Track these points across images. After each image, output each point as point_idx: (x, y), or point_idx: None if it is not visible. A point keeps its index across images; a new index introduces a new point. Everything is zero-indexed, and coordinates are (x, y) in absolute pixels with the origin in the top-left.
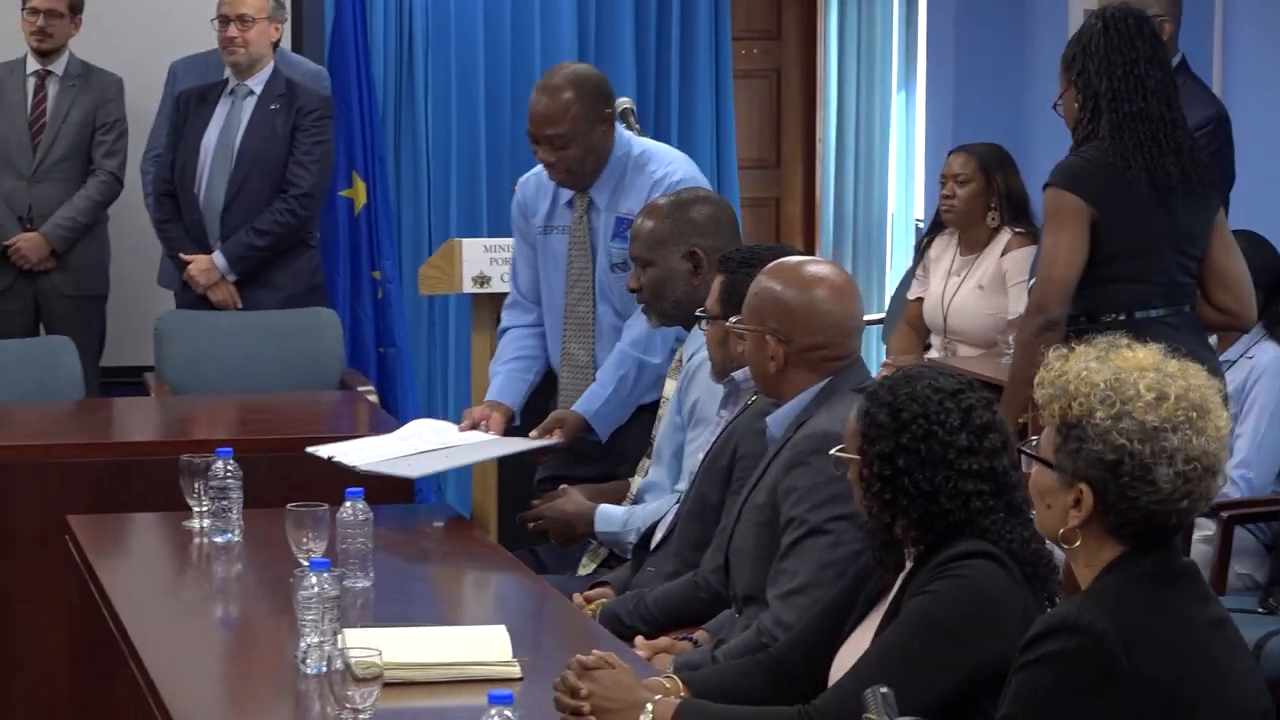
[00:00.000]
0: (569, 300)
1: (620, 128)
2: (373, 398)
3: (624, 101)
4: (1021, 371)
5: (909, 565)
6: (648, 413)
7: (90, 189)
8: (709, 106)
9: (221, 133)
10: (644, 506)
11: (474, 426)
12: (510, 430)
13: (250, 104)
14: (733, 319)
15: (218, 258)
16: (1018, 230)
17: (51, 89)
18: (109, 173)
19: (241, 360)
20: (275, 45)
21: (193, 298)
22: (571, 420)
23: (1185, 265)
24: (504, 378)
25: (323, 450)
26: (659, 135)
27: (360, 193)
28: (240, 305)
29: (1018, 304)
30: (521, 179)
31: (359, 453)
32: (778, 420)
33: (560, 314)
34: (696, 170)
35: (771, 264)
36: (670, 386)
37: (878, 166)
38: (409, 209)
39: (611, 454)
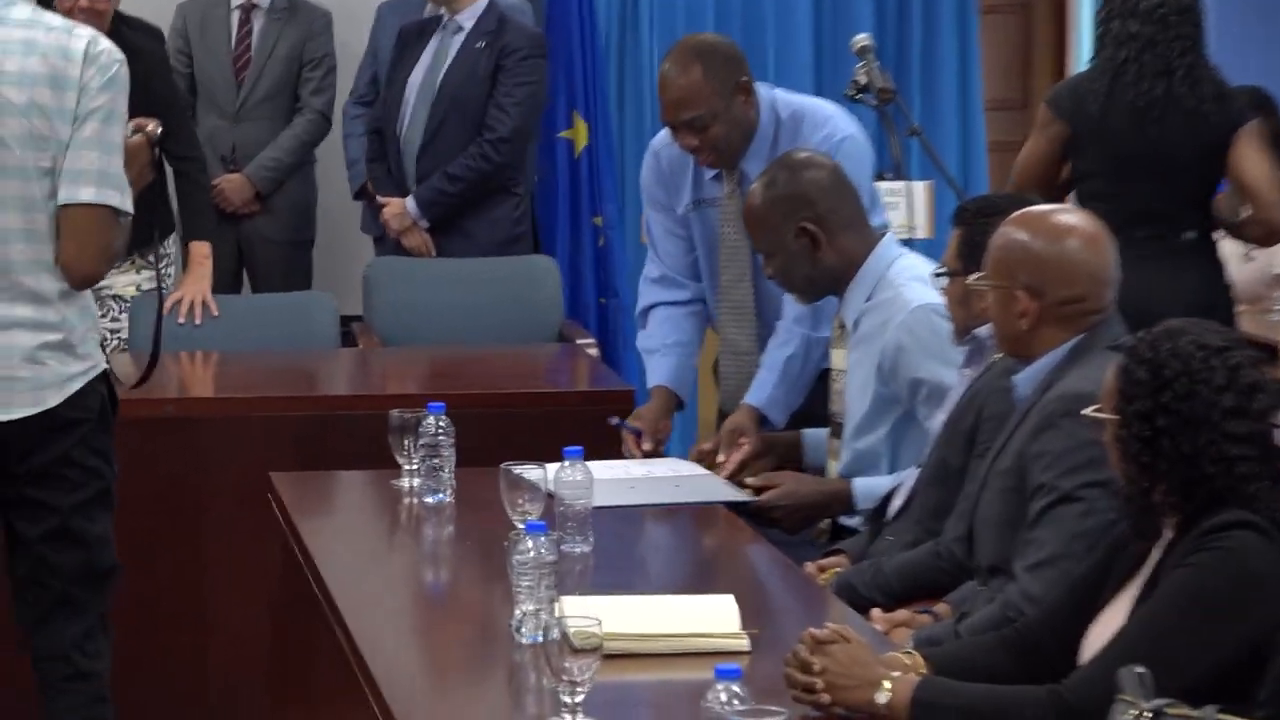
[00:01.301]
0: (724, 281)
1: (761, 88)
2: (593, 351)
3: (862, 38)
4: None
5: (1168, 536)
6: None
7: (297, 128)
8: (953, 44)
9: (428, 71)
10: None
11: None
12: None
13: (458, 41)
14: (974, 275)
15: (409, 202)
16: None
17: (257, 23)
18: (316, 111)
19: (454, 310)
20: None
21: (392, 244)
22: (748, 420)
23: (1163, 191)
24: (676, 359)
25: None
26: (899, 75)
27: (581, 133)
28: (434, 253)
29: None
30: (654, 146)
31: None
32: (1026, 379)
33: (716, 296)
34: (854, 124)
35: (1014, 215)
36: (840, 356)
37: None
38: (633, 150)
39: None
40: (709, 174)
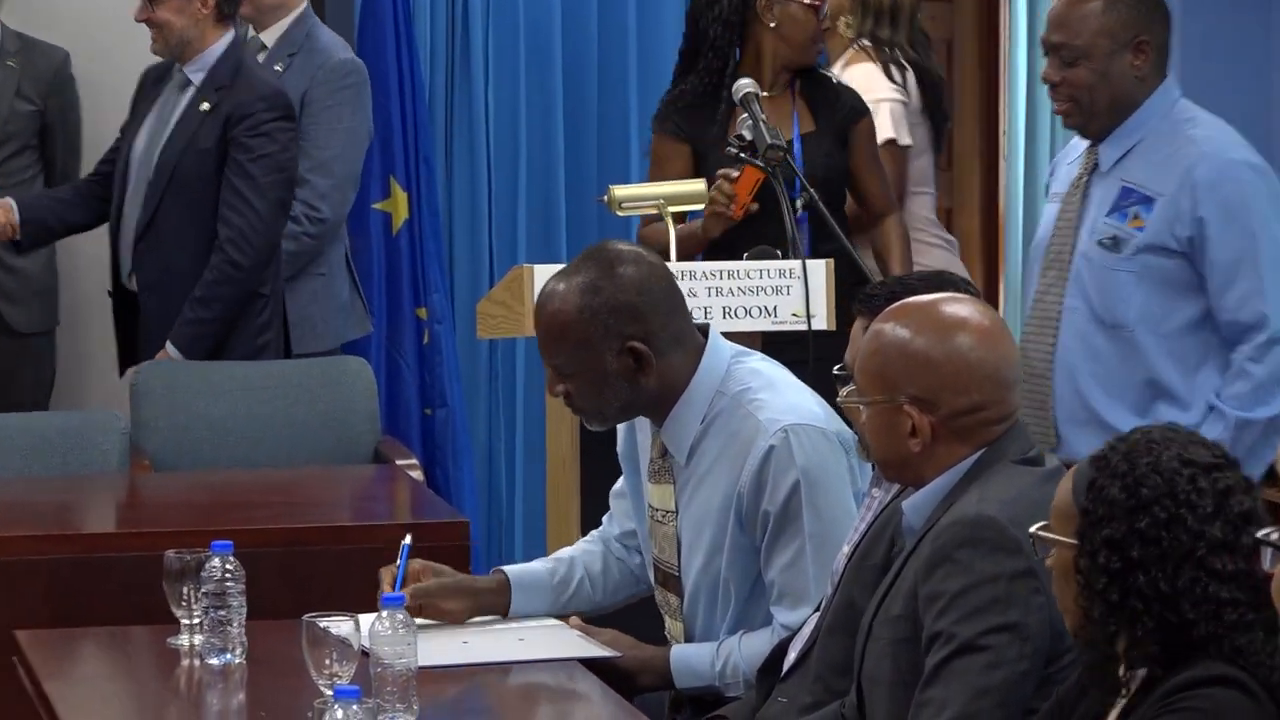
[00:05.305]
0: (1040, 285)
1: (1173, 85)
2: (416, 474)
3: (745, 84)
4: None
5: (1131, 690)
6: None
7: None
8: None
9: (150, 137)
10: (741, 639)
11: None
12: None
13: (185, 100)
14: (845, 390)
15: (171, 350)
16: None
17: None
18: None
19: (243, 425)
20: (232, 17)
21: None
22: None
23: None
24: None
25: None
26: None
27: (400, 205)
28: None
29: None
30: None
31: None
32: (917, 506)
33: (1028, 309)
34: (1252, 153)
35: (891, 309)
36: (663, 493)
37: None
38: (464, 226)
39: None
40: (1069, 158)
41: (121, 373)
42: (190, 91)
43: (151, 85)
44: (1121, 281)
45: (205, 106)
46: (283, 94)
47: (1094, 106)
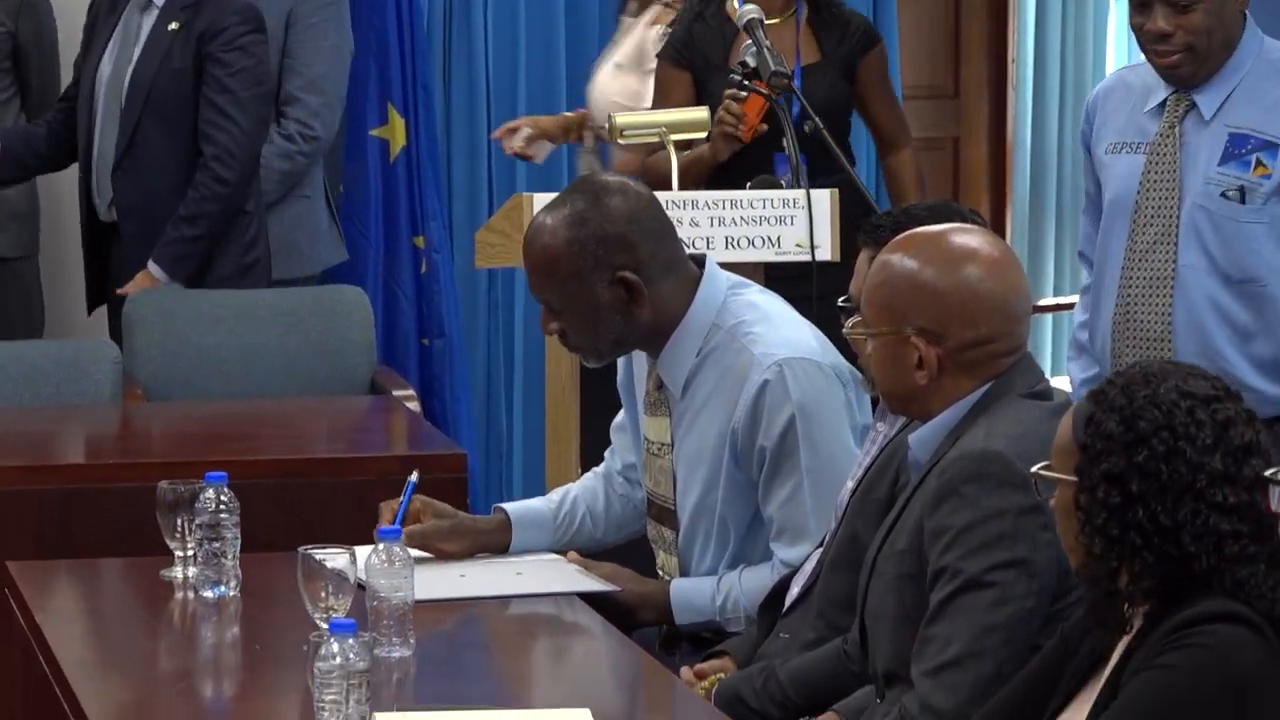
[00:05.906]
0: (1136, 247)
1: (1251, 20)
2: (413, 405)
3: (749, 10)
4: None
5: (1135, 627)
6: None
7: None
8: (863, 14)
9: (116, 59)
10: (741, 574)
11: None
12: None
13: (149, 21)
14: (851, 321)
15: (155, 269)
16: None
17: None
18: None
19: (237, 355)
20: None
21: None
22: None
23: None
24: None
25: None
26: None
27: (398, 132)
28: None
29: None
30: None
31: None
32: (923, 440)
33: (1118, 269)
34: None
35: (898, 239)
36: (658, 425)
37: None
38: (462, 153)
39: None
40: (1148, 107)
41: (90, 310)
42: (154, 13)
43: (107, 12)
44: (1252, 234)
45: (174, 26)
46: (253, 6)
47: (1209, 51)
